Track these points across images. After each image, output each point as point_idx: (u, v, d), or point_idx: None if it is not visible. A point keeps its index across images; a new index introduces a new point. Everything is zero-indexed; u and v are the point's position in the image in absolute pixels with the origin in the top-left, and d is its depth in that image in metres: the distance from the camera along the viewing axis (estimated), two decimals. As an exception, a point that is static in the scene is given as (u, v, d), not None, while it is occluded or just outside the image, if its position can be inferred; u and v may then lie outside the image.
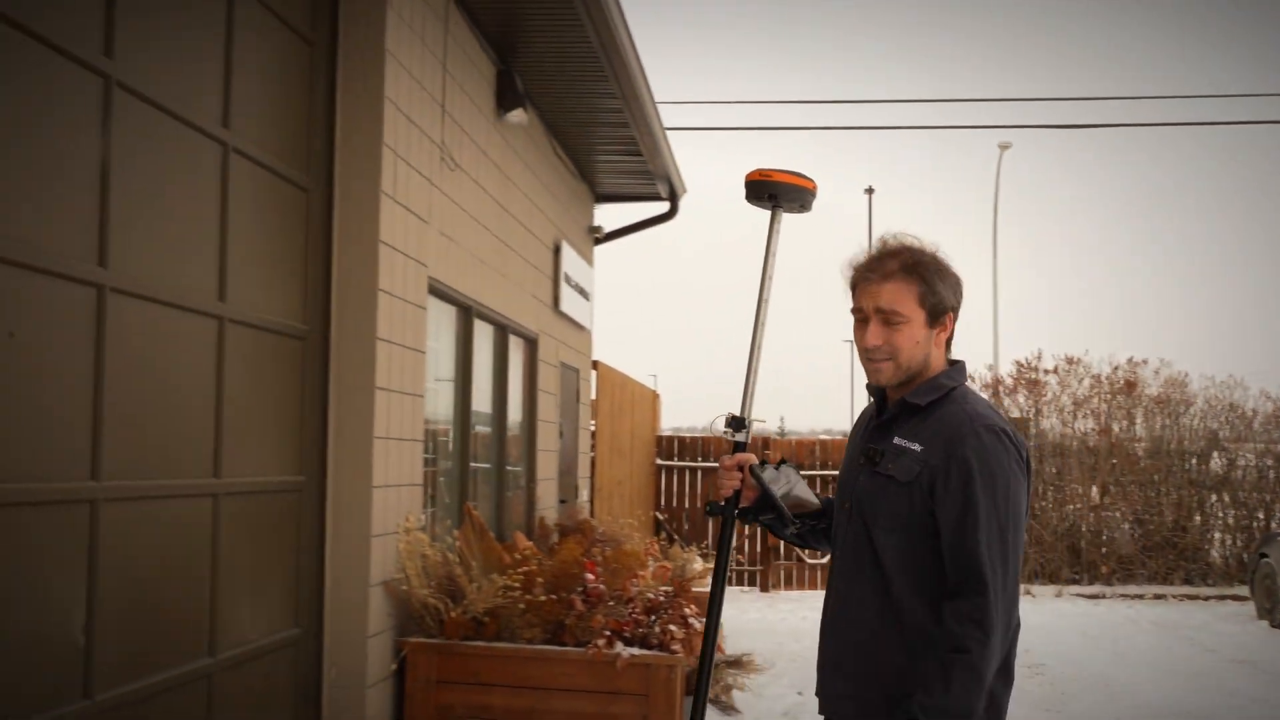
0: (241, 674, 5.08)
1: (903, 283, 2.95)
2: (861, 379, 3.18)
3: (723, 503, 3.24)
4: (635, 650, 5.85)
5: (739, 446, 3.25)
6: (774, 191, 3.32)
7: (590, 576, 6.10)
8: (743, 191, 3.37)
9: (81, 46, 3.92)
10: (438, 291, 6.89)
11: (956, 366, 3.06)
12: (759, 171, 3.33)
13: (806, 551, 15.98)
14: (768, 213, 3.39)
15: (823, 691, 3.10)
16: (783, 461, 3.32)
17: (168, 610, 4.55)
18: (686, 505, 16.30)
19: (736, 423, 3.29)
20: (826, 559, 15.44)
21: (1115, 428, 16.03)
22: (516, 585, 6.01)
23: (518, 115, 8.05)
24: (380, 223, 5.82)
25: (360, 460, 5.77)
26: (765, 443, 16.38)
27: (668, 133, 10.32)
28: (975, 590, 2.76)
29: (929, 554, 2.87)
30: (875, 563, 2.94)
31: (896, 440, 2.95)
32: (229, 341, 4.92)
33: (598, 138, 10.16)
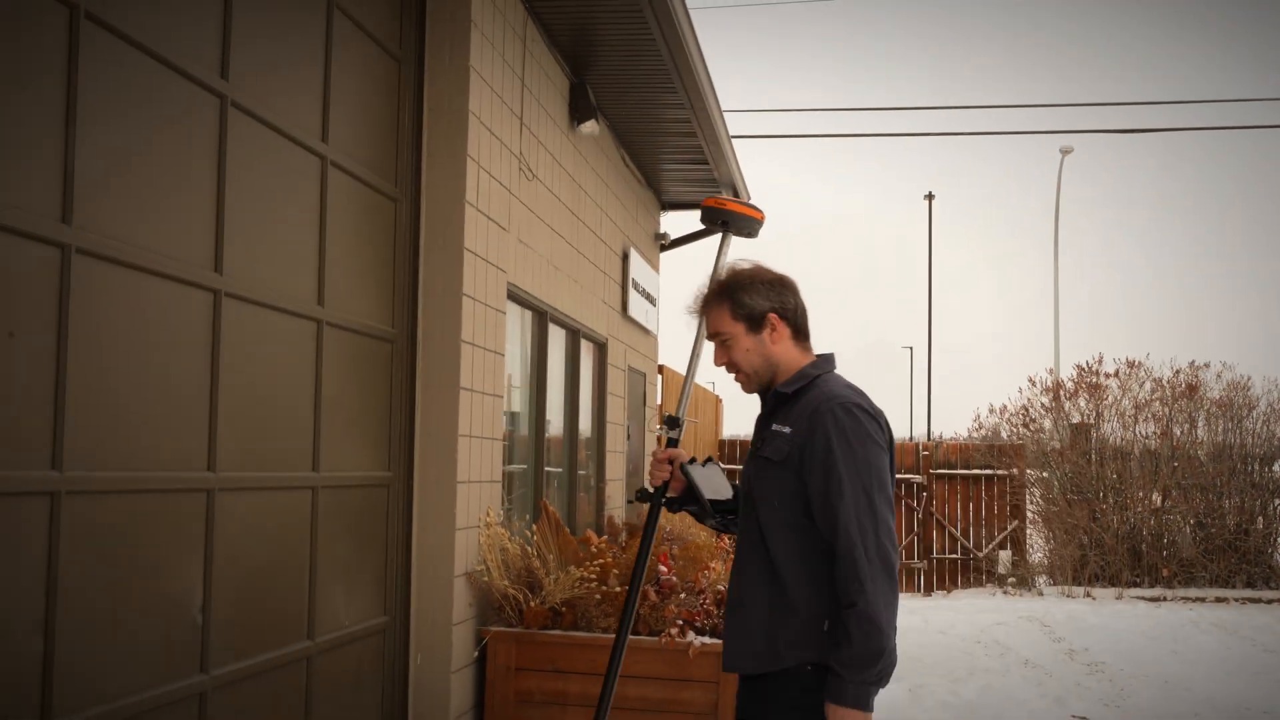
0: (336, 657, 5.39)
1: (715, 307, 3.40)
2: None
3: (652, 490, 3.62)
4: (706, 639, 6.10)
5: (671, 442, 3.61)
6: (726, 218, 3.80)
7: (663, 569, 6.37)
8: (701, 213, 3.87)
9: (201, 69, 4.24)
10: (515, 296, 7.19)
11: (823, 358, 3.43)
12: (715, 200, 3.80)
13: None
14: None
15: (727, 658, 3.41)
16: (709, 460, 3.67)
17: (272, 595, 4.87)
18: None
19: (671, 421, 3.71)
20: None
21: (1177, 431, 16.06)
22: (592, 577, 6.28)
23: (590, 126, 8.34)
24: (465, 231, 6.12)
25: (445, 457, 6.07)
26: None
27: (733, 140, 10.58)
28: (848, 549, 3.10)
29: (808, 527, 3.21)
30: (762, 540, 3.29)
31: (774, 427, 3.31)
32: (327, 344, 5.23)
33: (665, 147, 10.44)
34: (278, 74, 4.84)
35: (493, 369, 6.57)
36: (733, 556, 3.49)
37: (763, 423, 3.42)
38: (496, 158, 6.62)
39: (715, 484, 3.60)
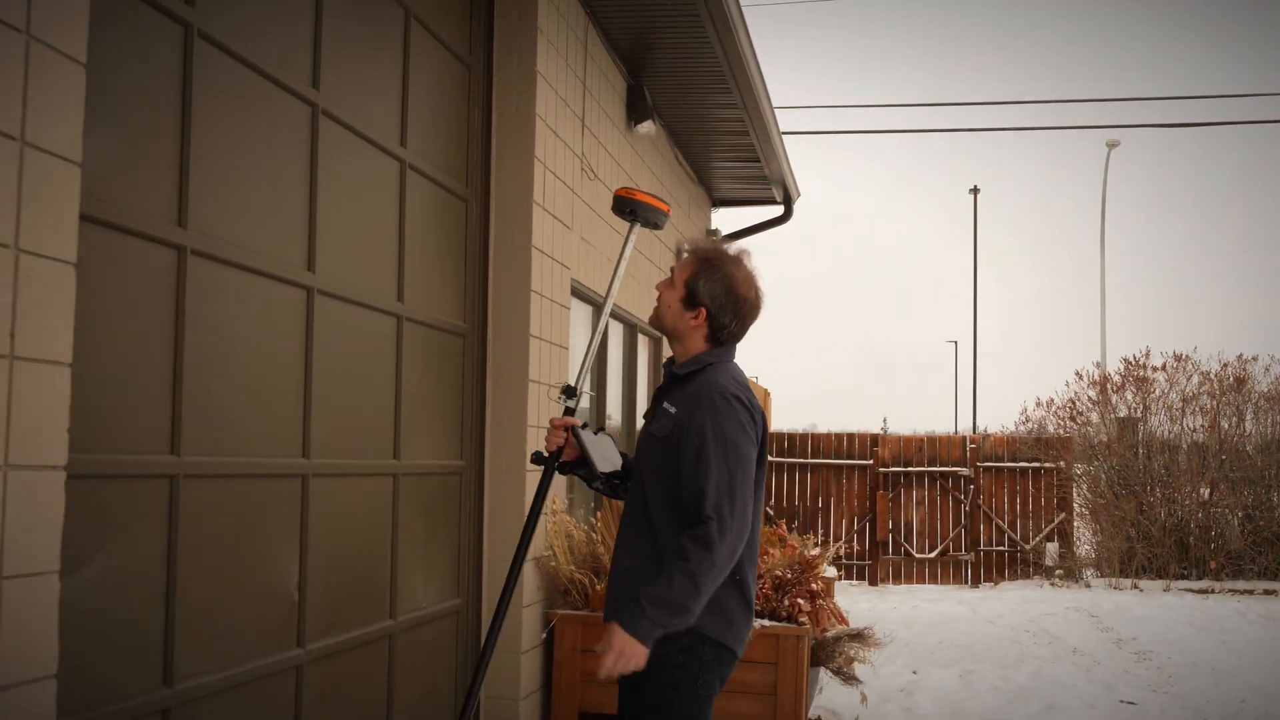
0: (415, 636, 5.66)
1: (689, 261, 3.73)
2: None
3: (547, 454, 3.92)
4: (765, 622, 6.33)
5: (568, 411, 3.88)
6: (634, 208, 4.03)
7: (724, 554, 6.60)
8: (613, 202, 4.11)
9: (294, 80, 4.51)
10: (577, 292, 7.45)
11: (723, 349, 3.72)
12: (626, 190, 4.04)
13: (914, 547, 16.35)
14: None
15: (606, 615, 3.65)
16: (601, 429, 3.99)
17: (358, 575, 5.14)
18: (796, 500, 16.72)
19: (569, 391, 3.96)
20: (934, 554, 15.75)
21: (1224, 424, 16.12)
22: (656, 562, 6.52)
23: (647, 127, 8.58)
24: (533, 229, 6.38)
25: (515, 447, 6.33)
26: (875, 440, 16.73)
27: (783, 137, 10.80)
28: (704, 520, 3.39)
29: (682, 499, 3.52)
30: (645, 508, 3.62)
31: (664, 405, 3.64)
32: (406, 338, 5.51)
33: (717, 145, 10.67)
34: (362, 82, 5.11)
35: (557, 362, 6.83)
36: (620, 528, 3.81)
37: (656, 398, 3.77)
38: (560, 158, 6.87)
39: (605, 452, 3.91)
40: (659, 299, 3.77)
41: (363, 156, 5.11)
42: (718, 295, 3.65)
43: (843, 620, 6.93)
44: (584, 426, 3.91)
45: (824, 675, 7.09)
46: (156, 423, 3.70)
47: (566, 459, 3.95)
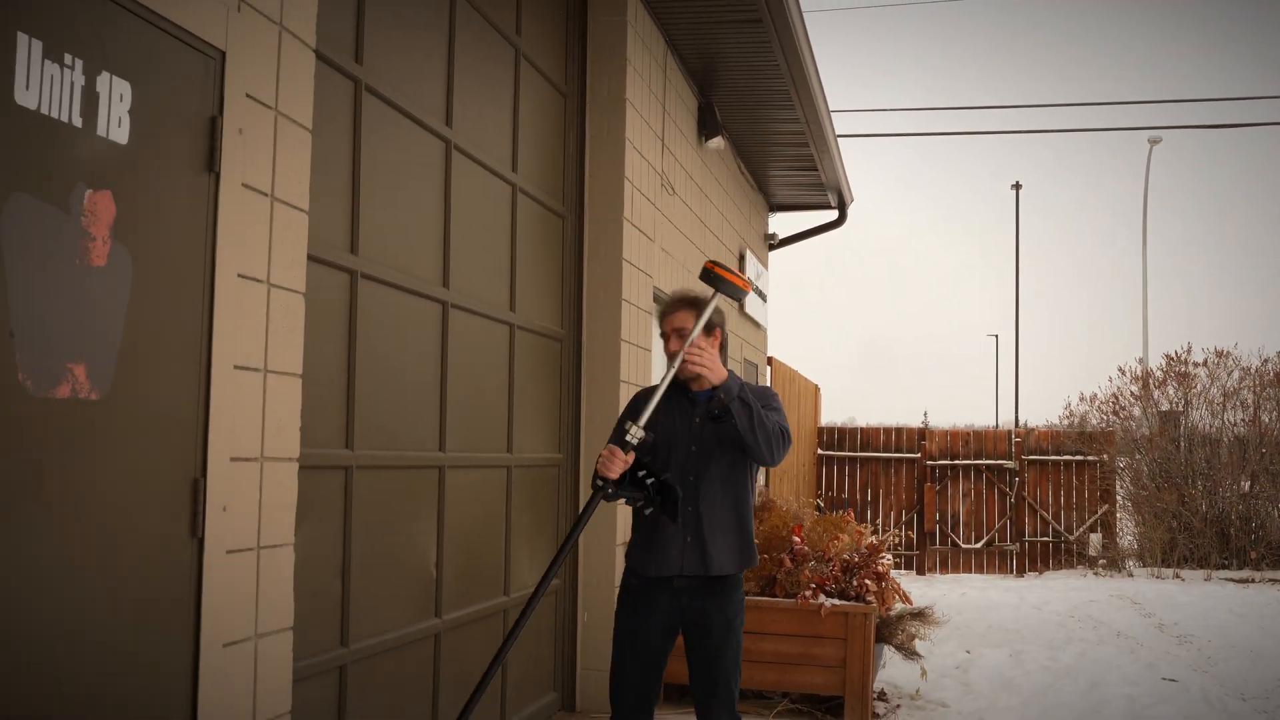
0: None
1: (683, 309, 4.53)
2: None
3: (600, 481, 4.26)
4: (835, 601, 6.93)
5: (628, 447, 4.23)
6: (718, 282, 4.40)
7: (797, 539, 7.21)
8: (701, 272, 4.52)
9: (432, 119, 5.15)
10: (658, 299, 8.06)
11: (732, 372, 4.43)
12: (715, 264, 4.44)
13: (960, 537, 16.87)
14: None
15: (709, 566, 4.46)
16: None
17: (481, 556, 5.78)
18: (845, 492, 17.30)
19: (638, 434, 4.26)
20: (980, 544, 16.20)
21: (1265, 418, 16.56)
22: (735, 546, 7.14)
23: (717, 142, 9.19)
24: (623, 243, 7.00)
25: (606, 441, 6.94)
26: (921, 434, 17.27)
27: (839, 140, 11.38)
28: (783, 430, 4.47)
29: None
30: (728, 470, 4.49)
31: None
32: (517, 344, 6.14)
33: (776, 155, 11.27)
34: (484, 116, 5.74)
35: (642, 364, 7.45)
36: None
37: (706, 402, 4.46)
38: (644, 176, 7.49)
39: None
40: (697, 362, 4.25)
41: (484, 183, 5.75)
42: (715, 313, 4.47)
43: (906, 599, 7.52)
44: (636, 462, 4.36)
45: (886, 652, 7.68)
46: (335, 421, 4.34)
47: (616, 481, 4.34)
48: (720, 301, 4.43)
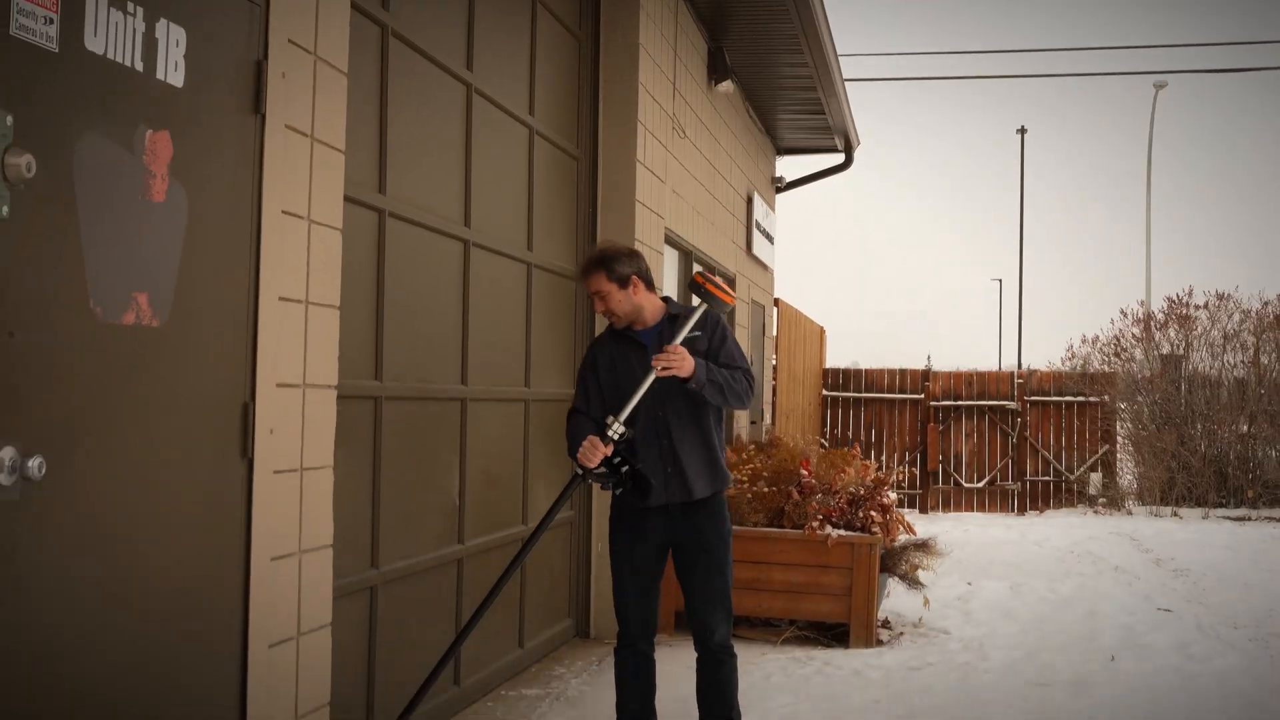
0: (540, 542, 6.52)
1: (594, 275, 4.68)
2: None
3: (580, 471, 4.56)
4: (842, 531, 7.16)
5: (608, 441, 4.48)
6: (705, 295, 4.75)
7: (805, 473, 7.44)
8: (690, 282, 4.98)
9: (454, 63, 5.31)
10: (669, 239, 8.25)
11: (667, 298, 4.87)
12: (702, 276, 4.81)
13: (963, 476, 17.14)
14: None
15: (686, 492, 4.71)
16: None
17: (500, 487, 6.01)
18: (850, 432, 17.55)
19: (618, 430, 4.52)
20: (982, 483, 16.43)
21: (1264, 360, 16.74)
22: (744, 479, 7.37)
23: (726, 86, 9.33)
24: (636, 184, 7.17)
25: (620, 377, 7.15)
26: (925, 375, 17.49)
27: (846, 85, 11.50)
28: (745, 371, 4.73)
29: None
30: (696, 408, 4.67)
31: (684, 338, 4.53)
32: (534, 282, 6.33)
33: (784, 99, 11.40)
34: (501, 59, 5.90)
35: (654, 303, 7.63)
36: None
37: (659, 343, 4.63)
38: (656, 119, 7.65)
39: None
40: (612, 311, 4.69)
41: (503, 126, 5.92)
42: (623, 264, 4.67)
43: (911, 530, 7.74)
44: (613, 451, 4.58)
45: (891, 583, 7.93)
46: (366, 354, 4.54)
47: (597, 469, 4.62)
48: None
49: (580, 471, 4.58)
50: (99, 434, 2.76)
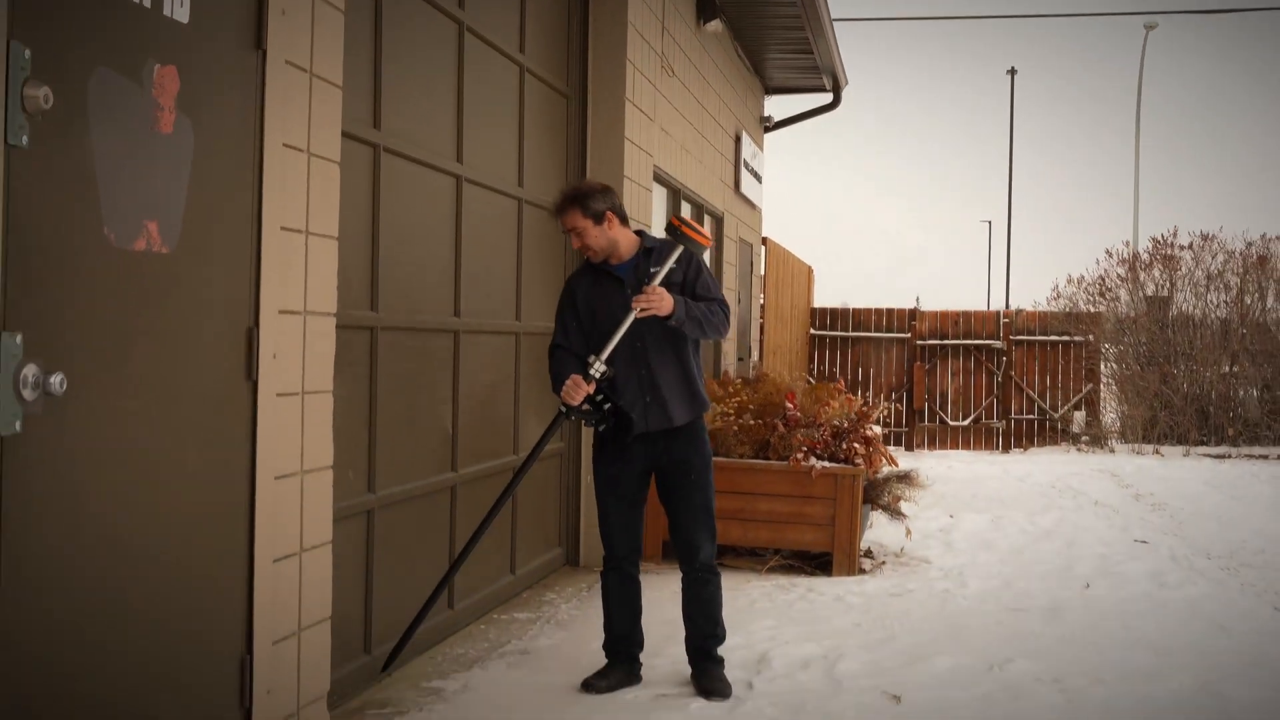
0: (531, 471, 6.69)
1: (568, 212, 4.83)
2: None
3: (565, 409, 4.74)
4: (825, 463, 7.35)
5: (590, 379, 4.68)
6: (680, 237, 4.86)
7: (790, 405, 7.61)
8: (666, 226, 4.98)
9: (447, 2, 5.41)
10: (658, 177, 8.37)
11: (640, 231, 5.03)
12: (679, 220, 4.92)
13: (948, 415, 17.36)
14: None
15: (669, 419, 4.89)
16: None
17: (492, 417, 6.17)
18: (837, 370, 17.74)
19: (600, 369, 4.70)
20: (967, 421, 16.63)
21: (1247, 300, 16.92)
22: (731, 412, 7.55)
23: (715, 25, 9.42)
24: (625, 122, 7.29)
25: (609, 312, 7.30)
26: (912, 314, 17.66)
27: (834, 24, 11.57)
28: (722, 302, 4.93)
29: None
30: (677, 339, 4.83)
31: (661, 273, 4.71)
32: (525, 219, 6.46)
33: (772, 38, 11.47)
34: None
35: (643, 239, 7.76)
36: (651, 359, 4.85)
37: (631, 273, 4.82)
38: (644, 57, 7.74)
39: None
40: (588, 246, 4.84)
41: (494, 64, 6.02)
42: (597, 200, 4.81)
43: (893, 462, 7.94)
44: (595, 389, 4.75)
45: (874, 515, 8.13)
46: (362, 285, 4.68)
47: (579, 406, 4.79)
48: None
49: (564, 409, 4.75)
50: (115, 354, 2.90)
